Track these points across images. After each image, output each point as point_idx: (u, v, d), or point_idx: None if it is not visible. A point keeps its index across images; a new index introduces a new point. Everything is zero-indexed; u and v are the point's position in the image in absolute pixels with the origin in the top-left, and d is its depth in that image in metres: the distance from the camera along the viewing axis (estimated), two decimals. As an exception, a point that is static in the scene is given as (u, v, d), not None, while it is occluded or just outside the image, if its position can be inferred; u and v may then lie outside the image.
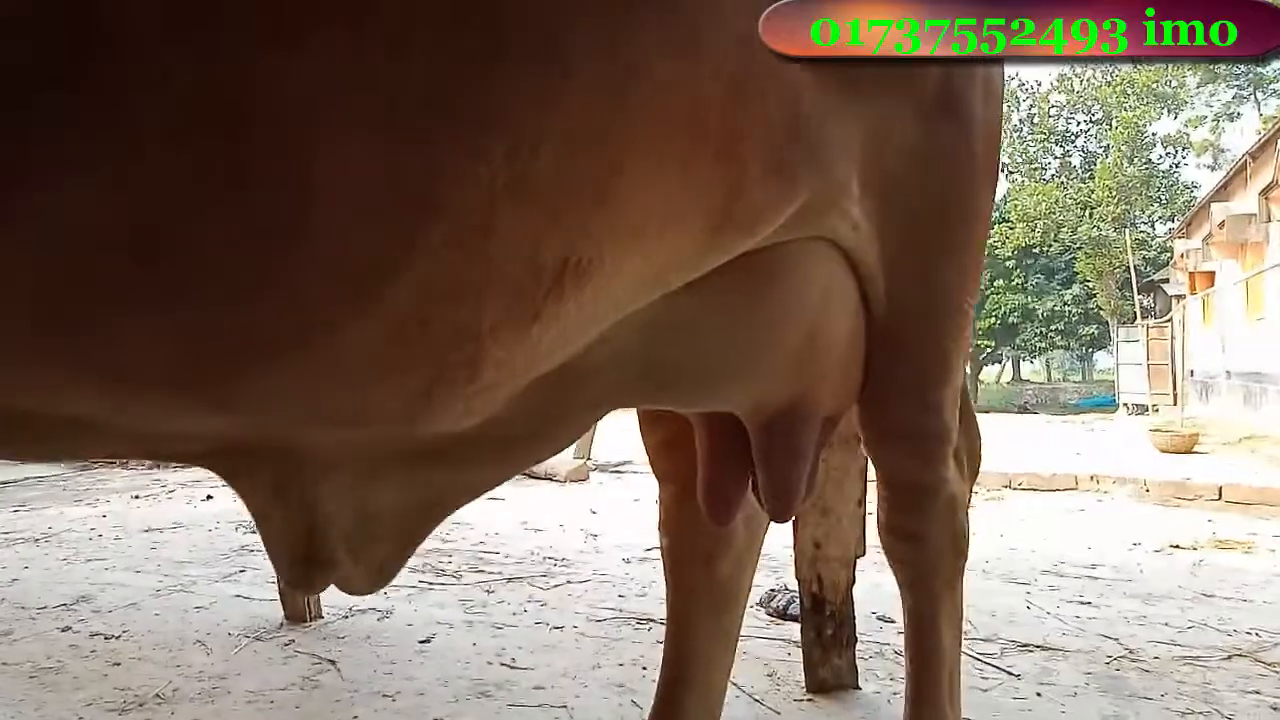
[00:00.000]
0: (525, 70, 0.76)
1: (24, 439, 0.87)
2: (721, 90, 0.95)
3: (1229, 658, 2.79)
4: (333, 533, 1.06)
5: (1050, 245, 26.32)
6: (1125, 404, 18.48)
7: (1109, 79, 27.89)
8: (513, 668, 2.71)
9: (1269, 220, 11.78)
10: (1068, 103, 28.95)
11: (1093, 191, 25.84)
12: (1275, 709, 2.39)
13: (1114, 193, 25.13)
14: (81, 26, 0.61)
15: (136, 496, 6.77)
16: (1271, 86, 28.53)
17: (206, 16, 0.64)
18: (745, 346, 1.27)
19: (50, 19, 0.60)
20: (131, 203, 0.65)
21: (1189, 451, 9.51)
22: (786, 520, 1.49)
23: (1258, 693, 2.50)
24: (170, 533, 5.20)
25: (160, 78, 0.63)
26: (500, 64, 0.75)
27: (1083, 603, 3.44)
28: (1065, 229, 25.88)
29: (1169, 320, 18.38)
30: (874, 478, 1.76)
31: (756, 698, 2.45)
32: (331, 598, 3.44)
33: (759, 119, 1.01)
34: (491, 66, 0.74)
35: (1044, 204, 25.44)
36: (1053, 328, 27.76)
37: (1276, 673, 2.66)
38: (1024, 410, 19.80)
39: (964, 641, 2.84)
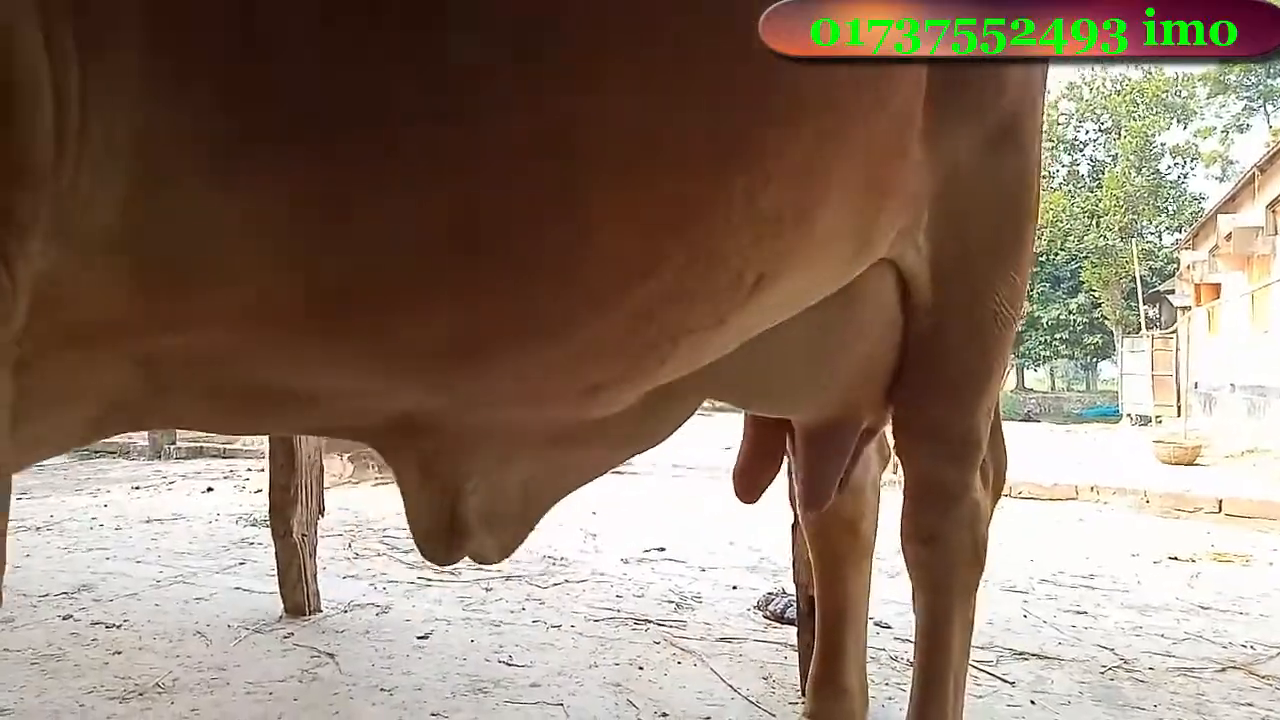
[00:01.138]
0: (771, 122, 0.92)
1: (247, 414, 1.00)
2: (884, 136, 1.11)
3: (1223, 670, 2.80)
4: (471, 508, 1.18)
5: (1057, 254, 26.27)
6: (1129, 414, 18.44)
7: (1119, 88, 27.85)
8: (510, 665, 2.72)
9: (1276, 233, 11.75)
10: (1076, 111, 28.90)
11: (1100, 201, 25.79)
12: (1268, 722, 2.39)
13: (1121, 202, 25.09)
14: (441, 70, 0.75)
15: (137, 487, 6.80)
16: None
17: (544, 70, 0.79)
18: (816, 363, 1.43)
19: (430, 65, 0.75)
20: (454, 210, 0.79)
21: (1191, 463, 9.50)
22: (819, 509, 1.70)
23: (1250, 705, 2.50)
24: (170, 524, 5.23)
25: (503, 114, 0.78)
26: (758, 117, 0.91)
27: (1079, 612, 3.44)
28: (1072, 238, 25.84)
29: (1174, 331, 18.34)
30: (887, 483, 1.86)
31: (752, 700, 2.46)
32: (330, 593, 3.46)
33: (897, 157, 1.17)
34: (751, 117, 0.90)
35: (1051, 212, 25.39)
36: (1057, 336, 27.70)
37: (1270, 685, 2.66)
38: (1028, 419, 19.74)
39: (959, 648, 2.85)
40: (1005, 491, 1.87)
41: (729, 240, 0.95)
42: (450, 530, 1.20)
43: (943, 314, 1.46)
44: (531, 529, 1.34)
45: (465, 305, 0.87)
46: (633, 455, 1.45)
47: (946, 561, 1.58)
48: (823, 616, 2.03)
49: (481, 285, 0.86)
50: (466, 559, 1.28)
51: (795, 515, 2.49)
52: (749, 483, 1.79)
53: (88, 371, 0.80)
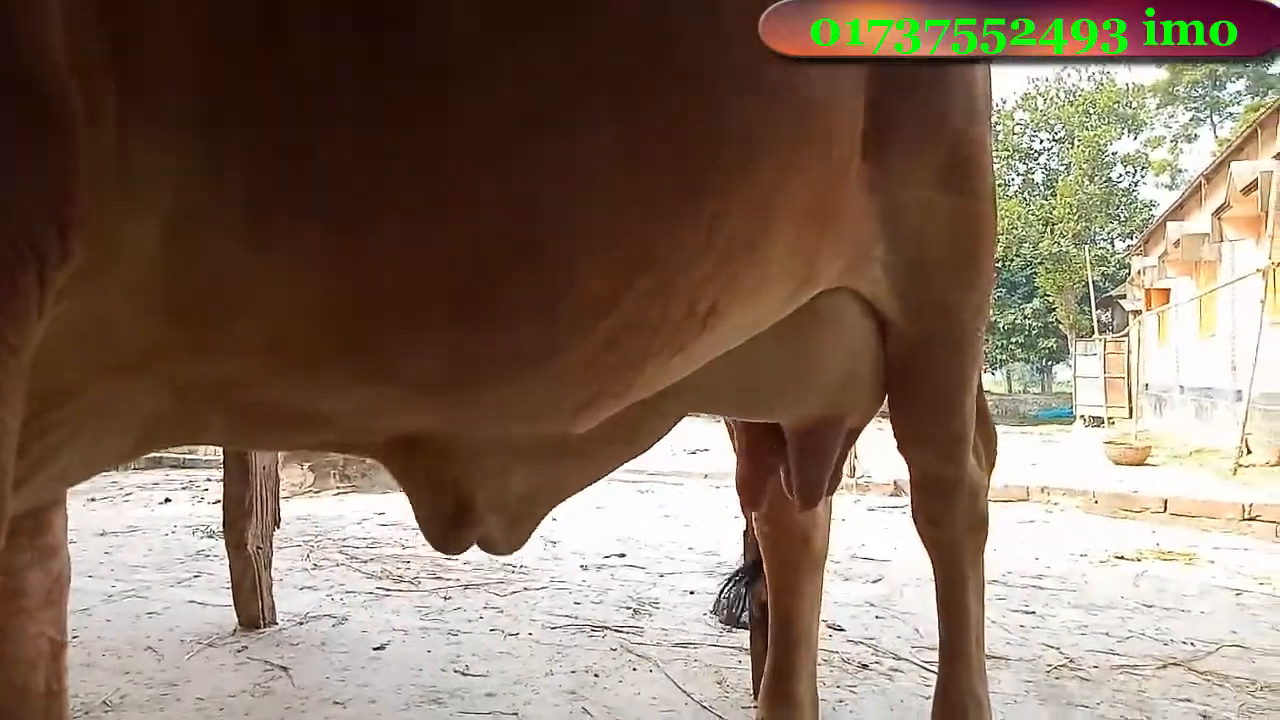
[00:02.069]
0: (722, 170, 1.02)
1: (270, 432, 1.13)
2: (823, 182, 1.22)
3: (1164, 666, 2.88)
4: (482, 509, 1.30)
5: (1012, 260, 26.76)
6: (1082, 416, 18.79)
7: (1071, 99, 28.49)
8: (465, 675, 2.73)
9: (1221, 240, 12.05)
10: (1031, 121, 29.49)
11: (1054, 208, 26.33)
12: (1205, 716, 2.47)
13: (1074, 210, 25.63)
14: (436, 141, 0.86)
15: (92, 499, 6.67)
16: (1228, 110, 29.27)
17: (515, 136, 0.89)
18: (788, 374, 1.59)
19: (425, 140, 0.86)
20: (443, 263, 0.89)
21: (1141, 463, 9.72)
22: (811, 508, 1.84)
23: (1189, 700, 2.58)
24: (126, 536, 5.15)
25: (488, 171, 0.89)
26: (712, 161, 1.01)
27: (1027, 612, 3.52)
28: (1027, 244, 26.35)
29: (1125, 335, 18.75)
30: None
31: (706, 705, 2.49)
32: (286, 604, 3.44)
33: (837, 199, 1.28)
34: (708, 163, 1.00)
35: (1007, 219, 25.85)
36: (1013, 340, 28.21)
37: (1208, 681, 2.75)
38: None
39: (909, 650, 2.92)
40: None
41: (683, 278, 1.05)
42: (460, 529, 1.32)
43: (916, 336, 1.63)
44: (534, 529, 1.46)
45: (454, 342, 0.98)
46: (624, 462, 1.56)
47: (955, 539, 1.80)
48: (775, 628, 2.08)
49: (467, 326, 0.96)
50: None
51: (747, 521, 2.54)
52: (752, 493, 1.92)
53: (131, 394, 0.88)
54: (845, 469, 2.01)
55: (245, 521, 3.22)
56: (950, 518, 1.79)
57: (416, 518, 1.33)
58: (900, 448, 1.78)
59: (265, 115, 0.79)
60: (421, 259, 0.89)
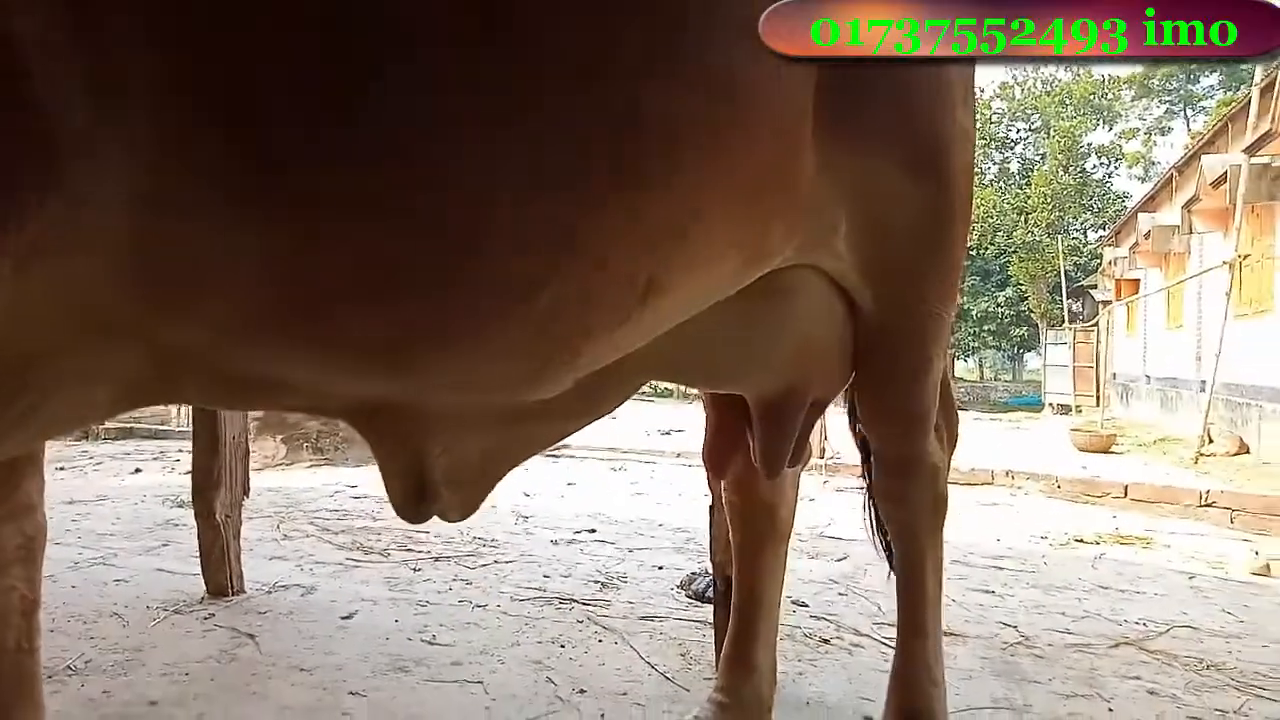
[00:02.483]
0: (647, 149, 1.08)
1: (242, 395, 1.19)
2: (771, 164, 1.27)
3: (1116, 645, 2.96)
4: (437, 473, 1.36)
5: (987, 248, 26.99)
6: (1051, 404, 19.08)
7: (1049, 89, 28.70)
8: (432, 644, 2.75)
9: (1191, 232, 12.23)
10: (1008, 110, 29.68)
11: (1029, 198, 26.56)
12: (1152, 693, 2.55)
13: (1049, 199, 25.88)
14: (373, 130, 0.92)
15: (61, 468, 6.62)
16: (1200, 104, 29.62)
17: (446, 122, 0.95)
18: (748, 347, 1.62)
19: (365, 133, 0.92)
20: (383, 242, 0.96)
21: (1107, 451, 9.90)
22: (774, 477, 1.89)
23: (1138, 678, 2.66)
24: (95, 505, 5.12)
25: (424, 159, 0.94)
26: (630, 147, 1.06)
27: (987, 591, 3.60)
28: (1001, 233, 26.58)
29: (1095, 325, 18.99)
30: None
31: (669, 676, 2.53)
32: (255, 574, 3.44)
33: (782, 182, 1.33)
34: (626, 149, 1.05)
35: (982, 208, 26.06)
36: (986, 328, 28.52)
37: (1158, 660, 2.83)
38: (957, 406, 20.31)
39: (869, 626, 2.97)
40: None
41: (613, 256, 1.10)
42: (419, 493, 1.37)
43: (883, 315, 1.67)
44: (490, 491, 1.51)
45: (393, 315, 1.04)
46: (582, 427, 1.60)
47: (914, 515, 1.86)
48: (738, 596, 2.12)
49: (404, 299, 1.02)
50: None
51: (714, 498, 2.57)
52: (718, 460, 1.97)
53: (106, 355, 0.95)
54: (815, 450, 2.05)
55: (214, 491, 3.22)
56: (910, 496, 1.84)
57: (384, 482, 1.38)
58: (863, 424, 1.83)
59: (218, 105, 0.86)
60: (360, 237, 0.95)
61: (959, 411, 2.18)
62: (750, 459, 1.88)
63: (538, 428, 1.51)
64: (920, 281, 1.69)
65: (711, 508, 2.60)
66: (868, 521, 2.17)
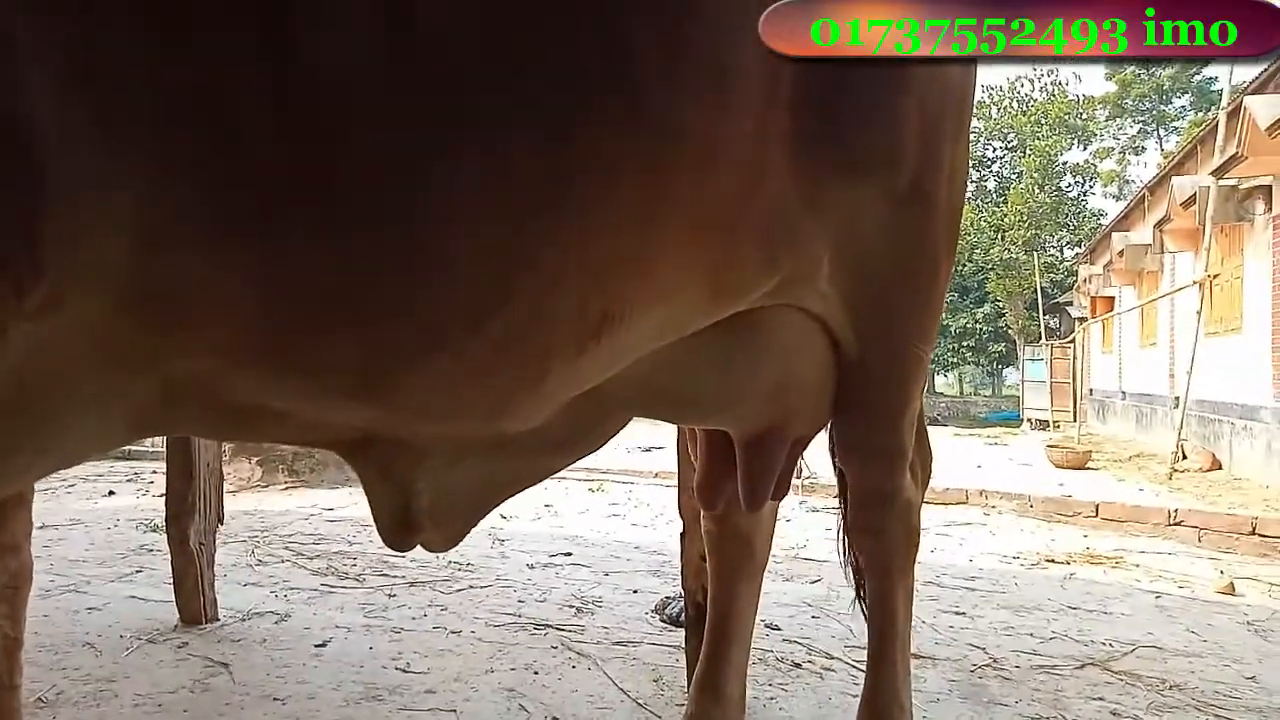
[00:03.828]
0: (586, 190, 1.12)
1: (241, 425, 1.24)
2: (730, 202, 1.30)
3: (1082, 666, 3.01)
4: (421, 506, 1.39)
5: (965, 265, 27.24)
6: (1029, 419, 19.22)
7: (1024, 108, 29.09)
8: (406, 672, 2.76)
9: (1162, 251, 12.43)
10: (985, 129, 30.03)
11: (1005, 215, 26.86)
12: (1115, 714, 2.59)
13: (1025, 217, 26.18)
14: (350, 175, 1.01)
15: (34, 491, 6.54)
16: (1173, 124, 30.11)
17: (403, 163, 1.03)
18: (730, 383, 1.65)
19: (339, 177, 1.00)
20: (352, 256, 1.03)
21: (1082, 467, 10.00)
22: (756, 511, 1.93)
23: (1102, 699, 2.70)
24: (67, 529, 5.08)
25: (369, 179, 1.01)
26: (569, 188, 1.11)
27: (958, 613, 3.64)
28: (979, 250, 26.86)
29: (1071, 341, 19.19)
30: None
31: (641, 702, 2.56)
32: (230, 600, 3.44)
33: (754, 219, 1.36)
34: (566, 190, 1.11)
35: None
36: (964, 344, 28.77)
37: (1122, 680, 2.88)
38: (935, 422, 20.45)
39: (841, 650, 3.00)
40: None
41: (559, 291, 1.16)
42: (405, 524, 1.41)
43: (865, 353, 1.70)
44: (475, 524, 1.55)
45: (354, 344, 1.10)
46: (570, 463, 1.64)
47: (887, 549, 1.88)
48: (711, 623, 2.14)
49: (362, 329, 1.09)
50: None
51: (685, 524, 2.61)
52: (710, 492, 1.99)
53: (122, 387, 1.02)
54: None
55: (188, 518, 3.22)
56: (884, 530, 1.87)
57: (372, 514, 1.44)
58: (840, 459, 1.86)
59: (208, 149, 0.93)
60: (329, 264, 1.03)
61: (938, 426, 2.23)
62: (736, 490, 1.91)
63: (523, 463, 1.55)
64: (903, 321, 1.73)
65: (683, 534, 2.63)
66: (840, 551, 2.21)
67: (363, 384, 1.16)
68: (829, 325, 1.67)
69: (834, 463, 2.08)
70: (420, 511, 1.42)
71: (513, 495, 1.62)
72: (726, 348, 1.56)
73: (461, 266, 1.09)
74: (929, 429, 2.08)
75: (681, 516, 2.62)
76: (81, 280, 0.89)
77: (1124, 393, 15.50)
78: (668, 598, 3.54)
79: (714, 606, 2.15)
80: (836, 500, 2.20)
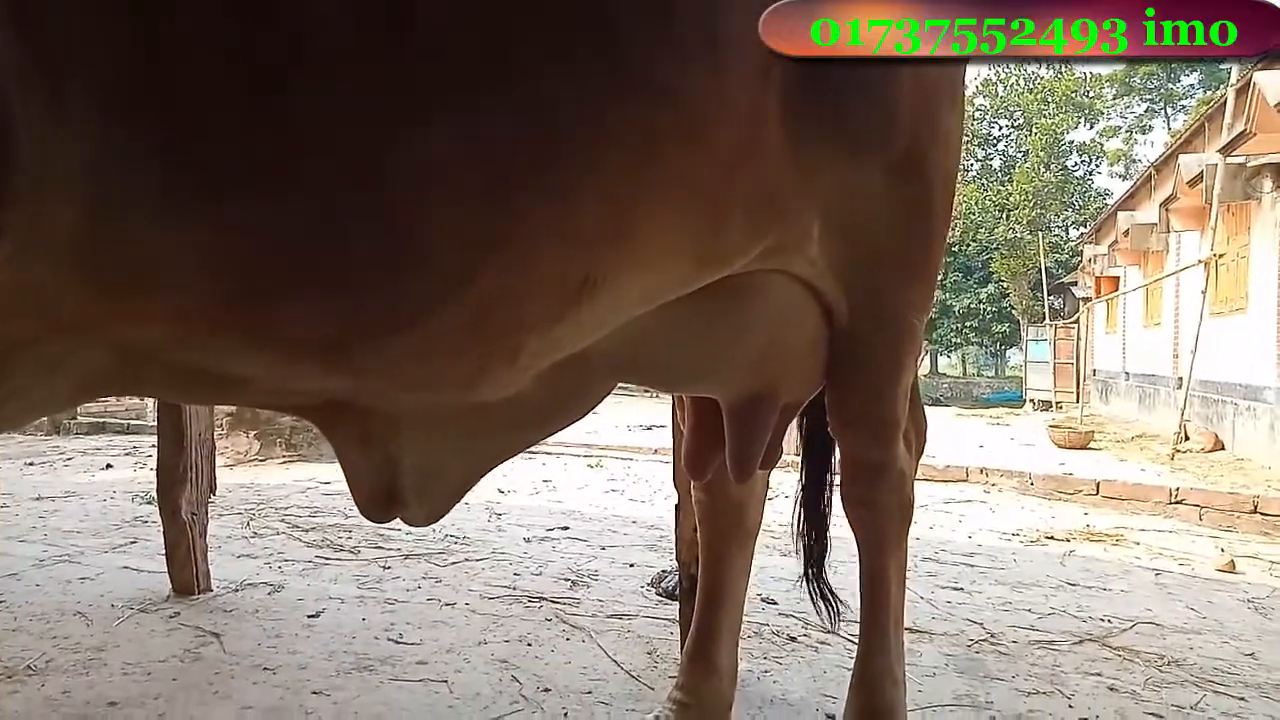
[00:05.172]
0: (569, 156, 1.09)
1: (201, 389, 1.23)
2: (719, 169, 1.27)
3: (1079, 642, 2.99)
4: (406, 479, 1.36)
5: (969, 245, 27.14)
6: (1032, 400, 19.20)
7: (1031, 86, 28.84)
8: (398, 643, 2.74)
9: (1168, 231, 12.33)
10: (990, 107, 29.81)
11: (1010, 195, 26.70)
12: (1112, 689, 2.57)
13: (1030, 197, 26.03)
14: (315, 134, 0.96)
15: (30, 464, 6.56)
16: (1181, 103, 29.87)
17: (375, 124, 0.98)
18: (715, 348, 1.62)
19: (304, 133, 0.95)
20: (313, 224, 0.98)
21: (1084, 448, 9.99)
22: (745, 481, 1.90)
23: (1099, 674, 2.68)
24: (62, 501, 5.07)
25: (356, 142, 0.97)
26: (552, 153, 1.07)
27: (956, 588, 3.62)
28: (983, 230, 26.73)
29: (1075, 321, 19.13)
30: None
31: (634, 674, 2.54)
32: (223, 571, 3.42)
33: (741, 189, 1.33)
34: (548, 156, 1.07)
35: (964, 205, 26.20)
36: (968, 324, 28.69)
37: (1120, 656, 2.86)
38: (938, 403, 20.44)
39: (837, 624, 2.98)
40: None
41: (540, 256, 1.12)
42: (385, 497, 1.38)
43: (856, 321, 1.67)
44: (459, 499, 1.51)
45: (321, 309, 1.06)
46: (553, 432, 1.59)
47: (880, 520, 1.86)
48: (703, 595, 2.12)
49: (330, 294, 1.05)
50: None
51: (679, 497, 2.58)
52: (698, 462, 1.96)
53: (73, 350, 1.00)
54: (789, 445, 2.06)
55: (180, 488, 3.20)
56: (877, 500, 1.84)
57: (348, 482, 1.39)
58: (832, 428, 1.83)
59: (158, 114, 0.90)
60: (289, 234, 0.98)
61: (941, 406, 2.20)
62: (724, 459, 1.88)
63: (505, 433, 1.51)
64: (896, 289, 1.69)
65: (678, 506, 2.60)
66: (795, 522, 2.19)
67: (325, 354, 1.12)
68: (819, 292, 1.64)
69: (799, 428, 2.06)
70: (403, 486, 1.38)
71: (496, 466, 1.57)
72: (712, 313, 1.52)
73: (431, 232, 1.05)
74: (931, 409, 2.05)
75: (676, 488, 2.59)
76: (32, 242, 0.86)
77: (1127, 373, 15.46)
78: (663, 572, 3.52)
79: (705, 577, 2.12)
80: (832, 475, 2.17)
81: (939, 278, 1.88)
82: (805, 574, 2.24)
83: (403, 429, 1.35)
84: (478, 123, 1.03)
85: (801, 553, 2.22)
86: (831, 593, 2.27)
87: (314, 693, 2.35)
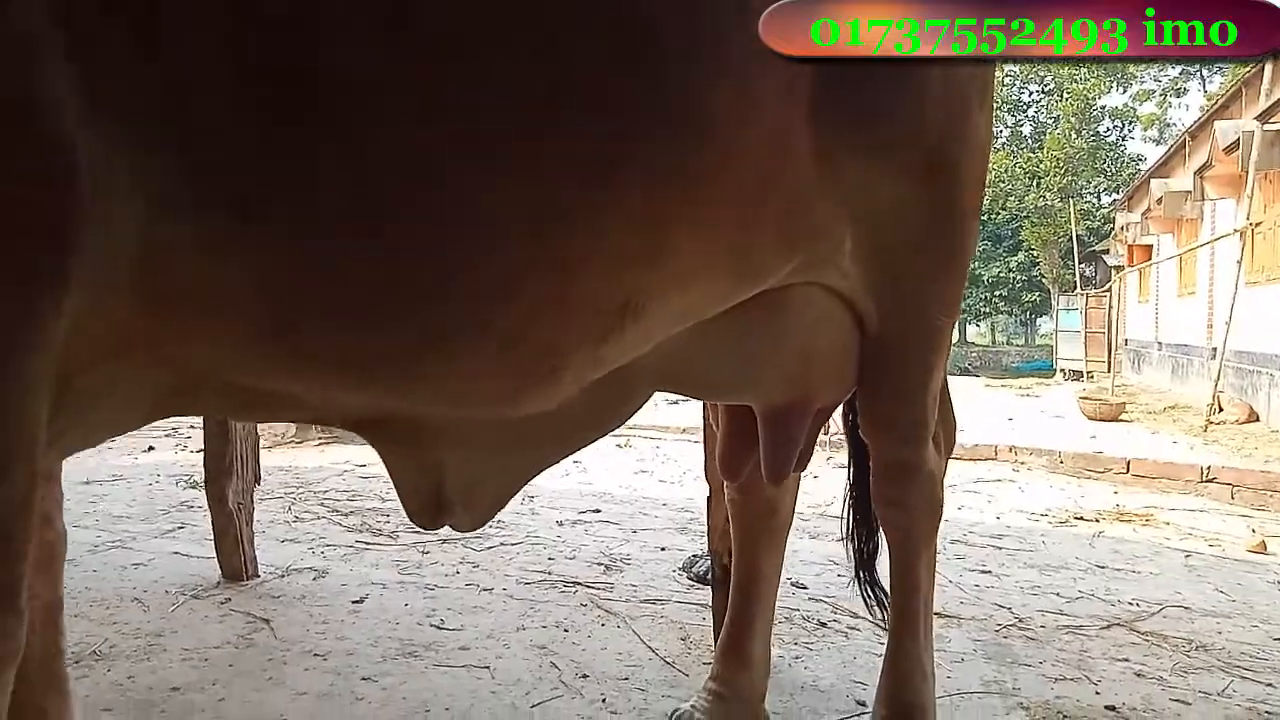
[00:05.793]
0: (603, 188, 1.14)
1: (255, 408, 1.32)
2: (751, 188, 1.32)
3: (1108, 627, 3.03)
4: (451, 488, 1.44)
5: (998, 213, 26.79)
6: (1063, 369, 19.04)
7: (1064, 49, 28.20)
8: (440, 628, 2.84)
9: (1203, 199, 12.12)
10: (1020, 72, 29.24)
11: (1041, 162, 26.28)
12: (1139, 675, 2.61)
13: (1061, 163, 25.61)
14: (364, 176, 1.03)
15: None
16: (1217, 66, 29.11)
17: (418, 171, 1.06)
18: (750, 360, 1.68)
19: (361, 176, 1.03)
20: (362, 259, 1.05)
21: (1115, 419, 9.93)
22: (779, 484, 1.95)
23: (1127, 660, 2.73)
24: (110, 485, 5.23)
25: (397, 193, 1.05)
26: (586, 186, 1.14)
27: (984, 571, 3.66)
28: (1013, 198, 26.36)
29: (1107, 290, 18.89)
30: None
31: (668, 660, 2.62)
32: (268, 556, 3.54)
33: (774, 206, 1.38)
34: (582, 188, 1.13)
35: (994, 172, 25.83)
36: (997, 293, 28.42)
37: (1148, 641, 2.90)
38: (966, 372, 20.33)
39: (865, 608, 3.04)
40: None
41: (579, 283, 1.19)
42: (434, 505, 1.45)
43: (886, 326, 1.70)
44: (503, 506, 1.60)
45: (366, 333, 1.12)
46: (593, 440, 1.67)
47: (910, 520, 1.90)
48: (735, 590, 2.18)
49: (374, 319, 1.11)
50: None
51: (711, 488, 2.64)
52: (733, 464, 2.02)
53: (139, 373, 1.08)
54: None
55: (226, 478, 3.30)
56: (907, 501, 1.88)
57: (397, 492, 1.47)
58: (863, 431, 1.87)
59: (212, 170, 0.96)
60: (340, 267, 1.05)
61: (969, 376, 2.23)
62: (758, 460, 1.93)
63: (549, 444, 1.58)
64: (925, 293, 1.73)
65: (709, 496, 2.66)
66: (845, 522, 2.23)
67: (373, 378, 1.19)
68: (851, 301, 1.68)
69: (846, 428, 2.10)
70: (449, 493, 1.45)
71: (539, 474, 1.65)
72: (749, 326, 1.57)
73: (473, 265, 1.10)
74: (960, 379, 2.09)
75: (708, 480, 2.65)
76: (101, 282, 0.94)
77: (1160, 343, 15.27)
78: (694, 556, 3.59)
79: (738, 571, 2.18)
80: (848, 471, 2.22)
81: (965, 283, 1.91)
82: (856, 575, 2.28)
83: (448, 441, 1.42)
84: (517, 161, 1.08)
85: (853, 554, 2.26)
86: (882, 590, 2.31)
87: (363, 679, 2.45)
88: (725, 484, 2.18)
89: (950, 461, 2.10)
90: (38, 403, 0.93)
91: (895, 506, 1.90)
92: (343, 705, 2.29)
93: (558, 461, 1.68)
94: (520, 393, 1.29)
